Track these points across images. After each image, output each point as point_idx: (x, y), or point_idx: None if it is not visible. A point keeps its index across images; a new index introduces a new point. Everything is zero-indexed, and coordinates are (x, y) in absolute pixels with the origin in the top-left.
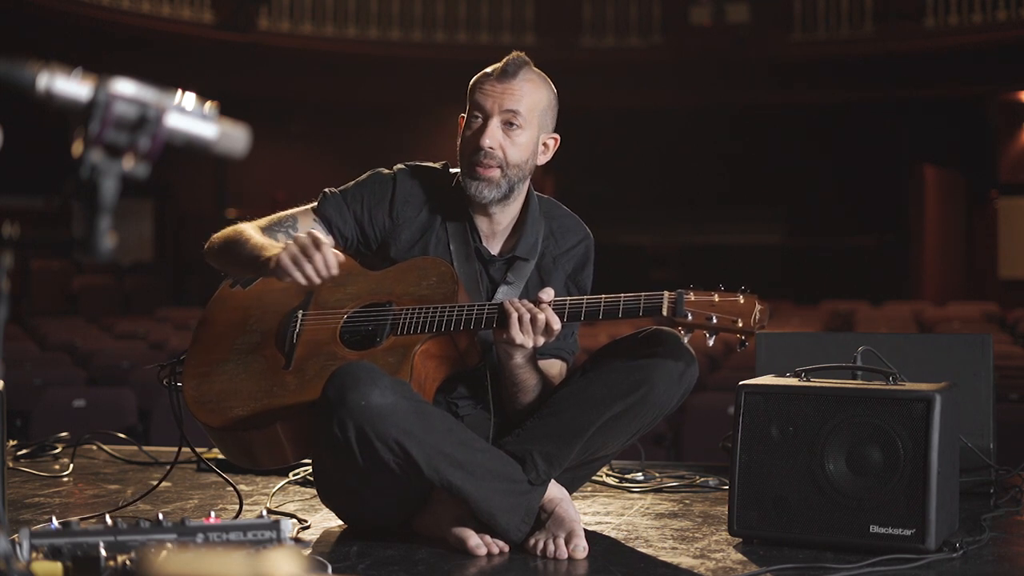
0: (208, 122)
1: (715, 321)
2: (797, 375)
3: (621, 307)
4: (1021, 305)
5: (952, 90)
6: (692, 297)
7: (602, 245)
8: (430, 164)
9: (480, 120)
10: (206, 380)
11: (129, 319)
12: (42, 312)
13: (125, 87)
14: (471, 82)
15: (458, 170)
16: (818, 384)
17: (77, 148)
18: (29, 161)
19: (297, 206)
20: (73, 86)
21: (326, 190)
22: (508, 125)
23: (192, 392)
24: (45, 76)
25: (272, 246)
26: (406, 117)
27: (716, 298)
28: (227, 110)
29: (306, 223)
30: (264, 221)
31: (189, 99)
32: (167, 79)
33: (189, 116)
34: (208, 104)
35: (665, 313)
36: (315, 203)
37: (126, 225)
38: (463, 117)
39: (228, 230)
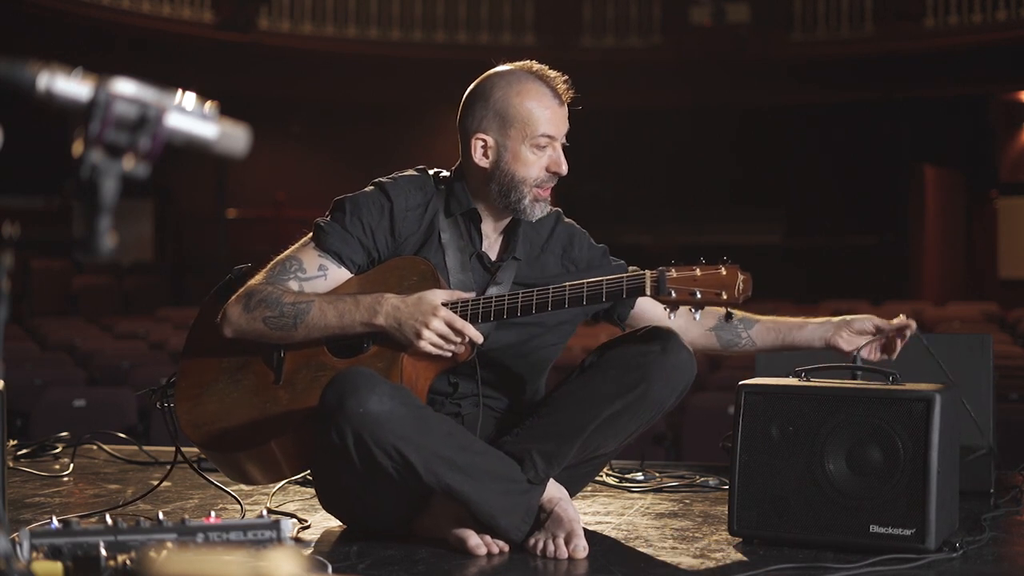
0: (208, 122)
1: (699, 296)
2: (797, 375)
3: (604, 291)
4: (1021, 305)
5: (952, 90)
6: (674, 274)
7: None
8: (410, 172)
9: (548, 146)
10: (199, 403)
11: (129, 319)
12: (42, 312)
13: (125, 87)
14: (528, 105)
15: (438, 171)
16: (818, 384)
17: (77, 148)
18: (29, 161)
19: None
20: (73, 86)
21: (319, 221)
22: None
23: (186, 416)
24: (45, 76)
25: (363, 309)
26: (406, 117)
27: (698, 272)
28: (227, 110)
29: (311, 261)
30: (266, 272)
31: (189, 99)
32: (167, 79)
33: (189, 116)
34: (208, 104)
35: (648, 292)
36: (309, 239)
37: (126, 225)
38: (485, 138)
39: (246, 296)
